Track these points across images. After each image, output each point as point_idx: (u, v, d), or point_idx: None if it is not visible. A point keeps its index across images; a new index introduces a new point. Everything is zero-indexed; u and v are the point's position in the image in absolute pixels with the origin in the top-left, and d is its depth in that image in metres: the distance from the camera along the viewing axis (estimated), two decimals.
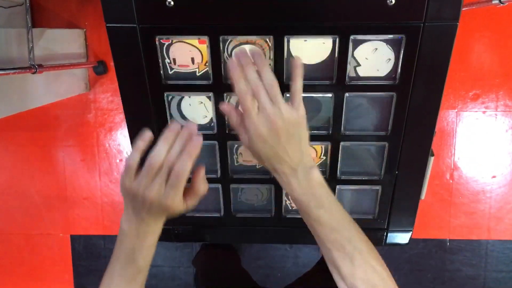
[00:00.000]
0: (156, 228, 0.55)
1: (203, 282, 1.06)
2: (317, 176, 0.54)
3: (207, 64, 0.60)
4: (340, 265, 0.52)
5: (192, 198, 0.55)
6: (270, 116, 0.51)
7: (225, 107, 0.56)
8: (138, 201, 0.52)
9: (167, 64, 0.61)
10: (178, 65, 0.62)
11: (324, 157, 0.66)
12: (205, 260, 1.12)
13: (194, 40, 0.59)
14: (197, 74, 0.62)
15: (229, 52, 0.59)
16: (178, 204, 0.53)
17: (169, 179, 0.51)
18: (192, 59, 0.61)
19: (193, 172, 0.55)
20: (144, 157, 0.52)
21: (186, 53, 0.60)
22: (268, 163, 0.55)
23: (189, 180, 0.55)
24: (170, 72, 0.62)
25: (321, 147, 0.65)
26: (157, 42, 0.58)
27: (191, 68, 0.62)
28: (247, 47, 0.59)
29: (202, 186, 0.56)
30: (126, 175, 0.52)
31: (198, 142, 0.51)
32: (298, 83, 0.53)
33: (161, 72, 0.61)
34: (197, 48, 0.60)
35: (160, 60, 0.60)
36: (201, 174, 0.56)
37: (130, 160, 0.52)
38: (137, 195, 0.52)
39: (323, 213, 0.54)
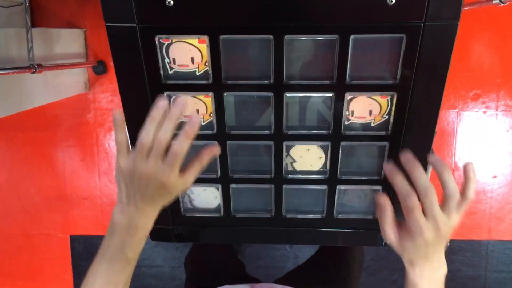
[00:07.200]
0: (147, 222, 0.55)
1: (194, 277, 1.04)
2: (442, 273, 0.59)
3: (207, 63, 0.60)
4: None
5: (192, 171, 0.55)
6: (438, 224, 0.53)
7: (381, 201, 0.58)
8: (133, 180, 0.52)
9: (166, 64, 0.61)
10: (178, 65, 0.61)
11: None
12: (196, 256, 1.11)
13: (194, 40, 0.59)
14: (197, 74, 0.62)
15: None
16: (174, 181, 0.53)
17: (167, 158, 0.51)
18: (192, 59, 0.61)
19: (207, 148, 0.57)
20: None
21: (186, 53, 0.60)
22: (410, 256, 0.56)
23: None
24: (169, 72, 0.62)
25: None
26: (156, 42, 0.58)
27: (191, 67, 0.62)
28: None
29: (205, 158, 0.56)
30: (121, 154, 0.53)
31: (195, 122, 0.51)
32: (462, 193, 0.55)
33: (161, 72, 0.61)
34: (197, 48, 0.60)
35: (159, 60, 0.60)
36: (213, 151, 0.57)
37: (118, 139, 0.53)
38: (133, 172, 0.52)
39: None
